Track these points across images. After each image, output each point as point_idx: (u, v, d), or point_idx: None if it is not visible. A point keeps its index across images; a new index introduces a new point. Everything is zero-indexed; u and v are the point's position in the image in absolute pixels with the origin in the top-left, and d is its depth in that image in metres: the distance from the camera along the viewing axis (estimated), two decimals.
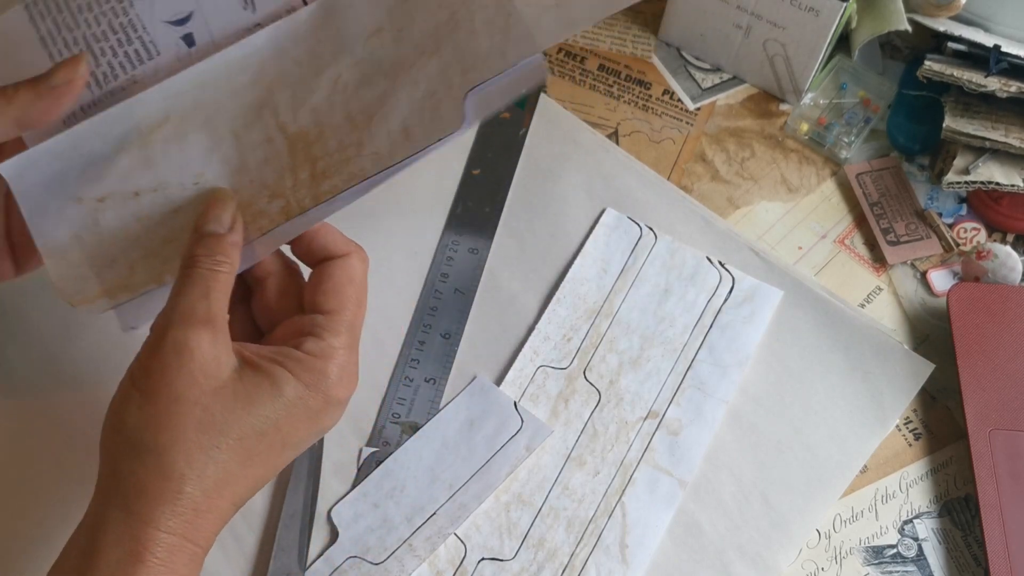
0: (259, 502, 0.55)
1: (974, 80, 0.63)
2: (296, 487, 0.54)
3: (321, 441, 0.56)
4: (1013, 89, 0.63)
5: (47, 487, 0.55)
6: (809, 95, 0.68)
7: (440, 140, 0.47)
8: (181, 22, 0.50)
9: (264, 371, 0.43)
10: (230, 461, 0.42)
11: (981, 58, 0.64)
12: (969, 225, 0.65)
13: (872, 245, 0.65)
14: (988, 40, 0.64)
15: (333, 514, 0.54)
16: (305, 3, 0.50)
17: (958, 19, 0.68)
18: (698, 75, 0.70)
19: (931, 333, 0.62)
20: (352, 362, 0.46)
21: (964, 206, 0.66)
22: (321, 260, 0.48)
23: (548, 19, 0.47)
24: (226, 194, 0.47)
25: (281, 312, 0.49)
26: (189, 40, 0.50)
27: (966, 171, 0.64)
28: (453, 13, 0.47)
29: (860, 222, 0.65)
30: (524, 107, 0.67)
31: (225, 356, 0.43)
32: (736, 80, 0.70)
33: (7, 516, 0.54)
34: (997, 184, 0.63)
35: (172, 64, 0.49)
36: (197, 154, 0.48)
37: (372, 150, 0.48)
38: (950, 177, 0.64)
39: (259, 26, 0.49)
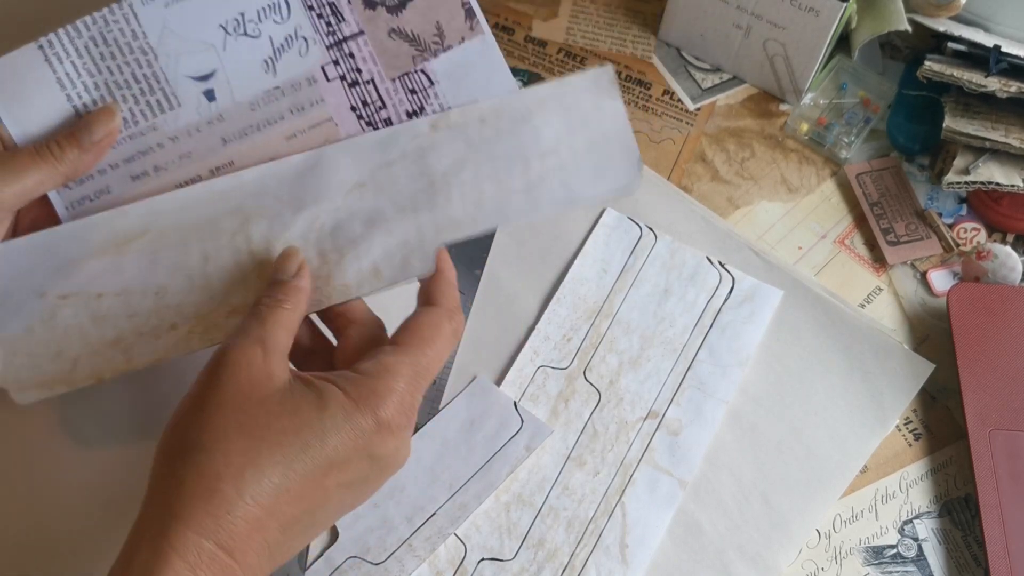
0: None
1: (974, 80, 0.63)
2: None
3: None
4: (1013, 89, 0.63)
5: (50, 493, 0.55)
6: (809, 95, 0.68)
7: (404, 282, 0.50)
8: (204, 78, 0.52)
9: (313, 386, 0.43)
10: (269, 469, 0.41)
11: (981, 58, 0.64)
12: (969, 225, 0.65)
13: (872, 245, 0.65)
14: (988, 40, 0.64)
15: None
16: (325, 74, 0.53)
17: (958, 19, 0.68)
18: (698, 75, 0.70)
19: (931, 333, 0.62)
20: (409, 393, 0.45)
21: (964, 206, 0.66)
22: (425, 300, 0.49)
23: (517, 200, 0.51)
24: (296, 250, 0.49)
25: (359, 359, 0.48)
26: (210, 95, 0.52)
27: (966, 171, 0.64)
28: (432, 183, 0.50)
29: (860, 222, 0.65)
30: None
31: (278, 371, 0.44)
32: (736, 80, 0.70)
33: (9, 516, 0.54)
34: (997, 184, 0.63)
35: (193, 116, 0.52)
36: (165, 269, 0.51)
37: (340, 282, 0.50)
38: (950, 177, 0.64)
39: (278, 89, 0.52)
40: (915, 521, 0.57)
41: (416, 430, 0.57)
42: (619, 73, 0.70)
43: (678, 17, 0.69)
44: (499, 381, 0.59)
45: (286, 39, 0.53)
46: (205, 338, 0.50)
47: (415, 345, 0.46)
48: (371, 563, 0.53)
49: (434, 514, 0.54)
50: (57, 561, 0.53)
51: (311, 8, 0.53)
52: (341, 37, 0.53)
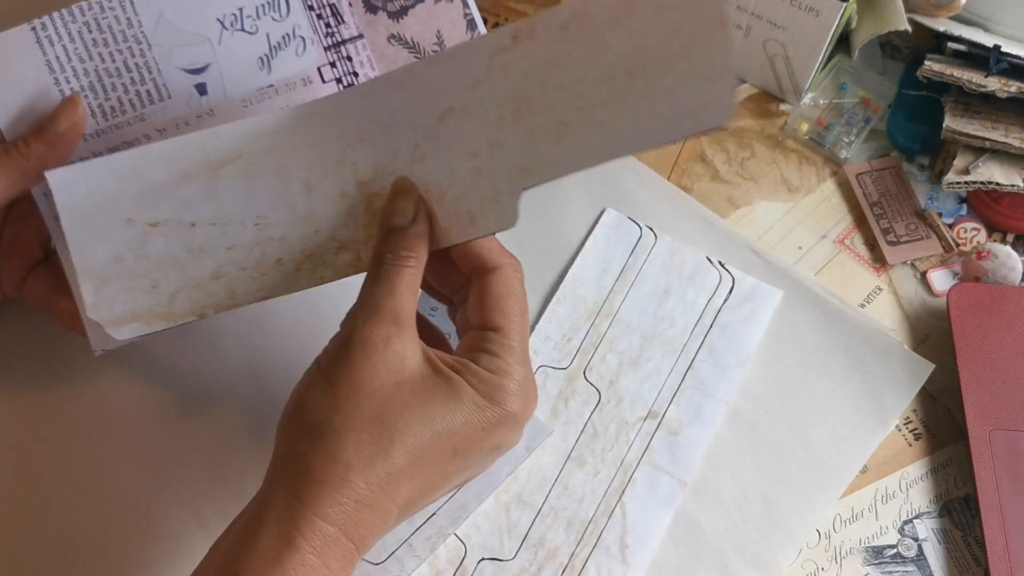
0: None
1: (974, 80, 0.63)
2: None
3: None
4: (1013, 89, 0.63)
5: (50, 488, 0.55)
6: (809, 95, 0.68)
7: (493, 232, 0.46)
8: (197, 72, 0.52)
9: (445, 376, 0.44)
10: (399, 456, 0.42)
11: (981, 58, 0.64)
12: (969, 225, 0.65)
13: (872, 245, 0.65)
14: (988, 40, 0.64)
15: None
16: (321, 76, 0.52)
17: (958, 19, 0.68)
18: None
19: (931, 333, 0.62)
20: (530, 379, 0.47)
21: (964, 206, 0.66)
22: (473, 271, 0.48)
23: (602, 135, 0.42)
24: (408, 184, 0.47)
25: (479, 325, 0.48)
26: (202, 89, 0.52)
27: (966, 171, 0.64)
28: (517, 109, 0.44)
29: (860, 222, 0.65)
30: None
31: (411, 354, 0.44)
32: (736, 80, 0.70)
33: (9, 516, 0.54)
34: (997, 184, 0.63)
35: (182, 109, 0.51)
36: (264, 196, 0.48)
37: (442, 224, 0.47)
38: (950, 177, 0.64)
39: (272, 87, 0.51)
40: (915, 521, 0.57)
41: None
42: None
43: None
44: None
45: (283, 37, 0.52)
46: (314, 276, 0.48)
47: (512, 323, 0.46)
48: (371, 563, 0.53)
49: (434, 514, 0.54)
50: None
51: (311, 8, 0.53)
52: (340, 39, 0.53)
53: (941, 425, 0.59)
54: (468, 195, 0.46)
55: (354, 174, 0.48)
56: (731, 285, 0.61)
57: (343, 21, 0.53)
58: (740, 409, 0.58)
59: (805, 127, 0.67)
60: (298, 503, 0.40)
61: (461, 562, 0.54)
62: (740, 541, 0.55)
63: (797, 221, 0.65)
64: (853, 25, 0.68)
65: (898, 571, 0.55)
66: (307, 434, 0.42)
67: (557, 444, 0.57)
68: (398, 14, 0.53)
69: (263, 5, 0.52)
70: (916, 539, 0.56)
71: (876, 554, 0.56)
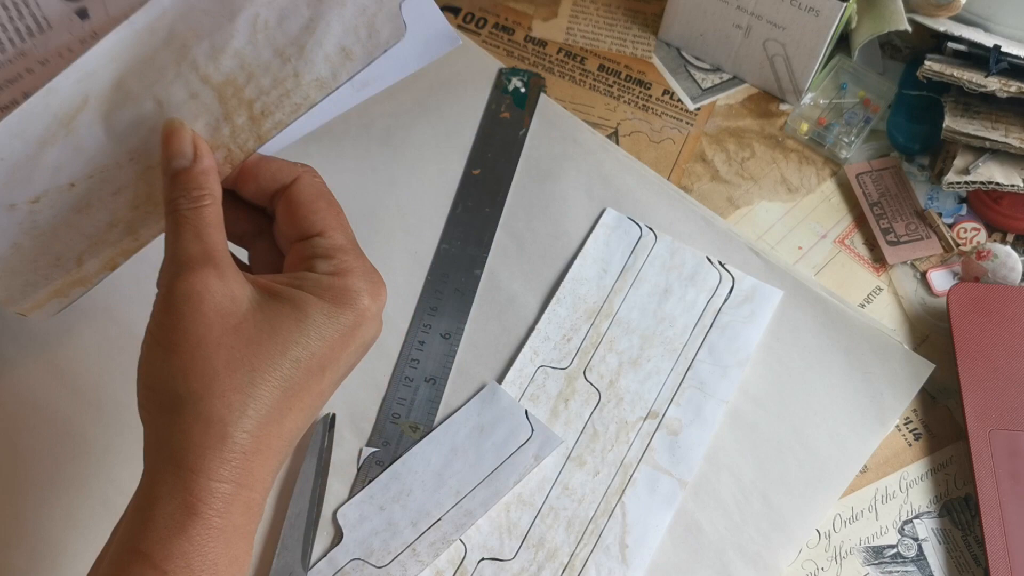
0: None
1: (974, 80, 0.63)
2: (303, 487, 0.54)
3: (331, 443, 0.56)
4: (1013, 89, 0.63)
5: (43, 485, 0.55)
6: (809, 95, 0.68)
7: (384, 52, 0.46)
8: None
9: (283, 296, 0.42)
10: (269, 395, 0.41)
11: (981, 58, 0.64)
12: (969, 225, 0.65)
13: (872, 245, 0.65)
14: (988, 40, 0.64)
15: (339, 515, 0.54)
16: None
17: (958, 19, 0.68)
18: (698, 75, 0.70)
19: (931, 333, 0.62)
20: (369, 268, 0.45)
21: (964, 206, 0.66)
22: (275, 193, 0.46)
23: None
24: (176, 124, 0.45)
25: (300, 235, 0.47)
26: (83, 13, 0.48)
27: (966, 171, 0.64)
28: None
29: (860, 222, 0.65)
30: (524, 107, 0.67)
31: (239, 290, 0.42)
32: (736, 80, 0.70)
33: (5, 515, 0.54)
34: (997, 184, 0.63)
35: (64, 37, 0.48)
36: (126, 130, 0.47)
37: (312, 77, 0.46)
38: (950, 177, 0.64)
39: (146, 2, 0.47)
40: (915, 521, 0.57)
41: (416, 430, 0.57)
42: (619, 73, 0.70)
43: (678, 17, 0.69)
44: (499, 381, 0.59)
45: None
46: None
47: (329, 222, 0.45)
48: (374, 566, 0.53)
49: (439, 519, 0.54)
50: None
51: None
52: None
53: (941, 425, 0.59)
54: (332, 33, 0.46)
55: (196, 71, 0.46)
56: (731, 285, 0.61)
57: None
58: (740, 409, 0.58)
59: (805, 127, 0.67)
60: (187, 472, 0.39)
61: (461, 562, 0.54)
62: (740, 541, 0.55)
63: (797, 221, 0.65)
64: (853, 25, 0.68)
65: (898, 571, 0.55)
66: (170, 408, 0.40)
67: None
68: None
69: None
70: (916, 539, 0.56)
71: (876, 554, 0.56)
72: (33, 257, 0.47)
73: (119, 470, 0.55)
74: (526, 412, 0.57)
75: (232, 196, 0.48)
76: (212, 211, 0.43)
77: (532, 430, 0.57)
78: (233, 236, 0.48)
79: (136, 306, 0.50)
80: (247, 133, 0.47)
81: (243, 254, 0.49)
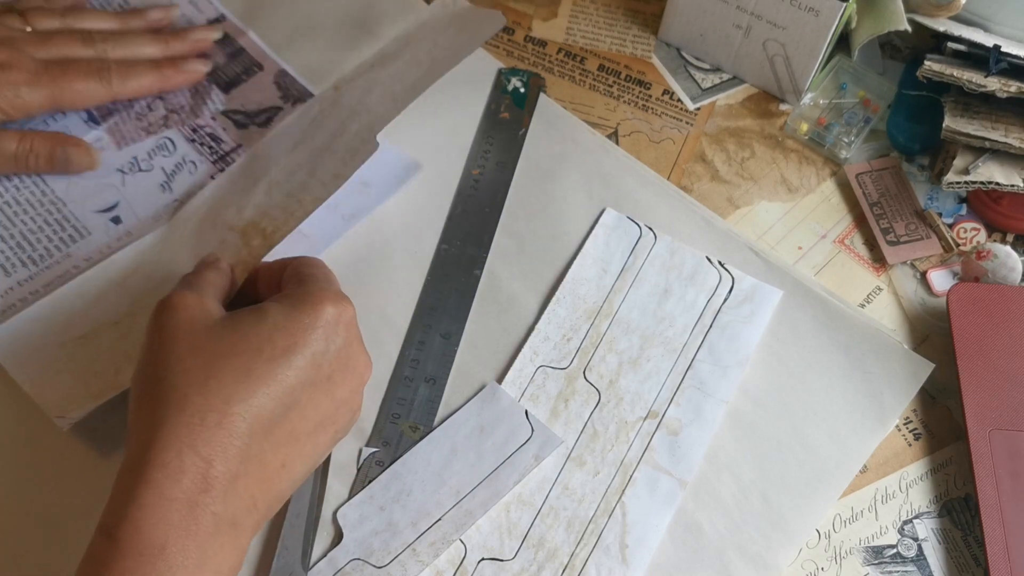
0: None
1: (974, 80, 0.63)
2: (302, 487, 0.54)
3: None
4: (1013, 89, 0.63)
5: (49, 484, 0.55)
6: (809, 95, 0.68)
7: (362, 164, 0.58)
8: (109, 209, 0.62)
9: (251, 309, 0.48)
10: (226, 373, 0.44)
11: (981, 58, 0.64)
12: (969, 225, 0.65)
13: (872, 245, 0.65)
14: (988, 40, 0.64)
15: (339, 515, 0.54)
16: (212, 177, 0.63)
17: (958, 19, 0.68)
18: (698, 75, 0.70)
19: (931, 333, 0.62)
20: (336, 288, 0.50)
21: (964, 206, 0.66)
22: (281, 277, 0.53)
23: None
24: (213, 257, 0.55)
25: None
26: (116, 220, 0.62)
27: (966, 171, 0.64)
28: (353, 110, 0.62)
29: (860, 222, 0.65)
30: (524, 107, 0.67)
31: (214, 307, 0.48)
32: (736, 80, 0.70)
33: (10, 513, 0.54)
34: (997, 184, 0.63)
35: (103, 238, 0.61)
36: (166, 280, 0.57)
37: (311, 198, 0.58)
38: (950, 177, 0.64)
39: (176, 200, 0.62)
40: (915, 521, 0.57)
41: (416, 430, 0.57)
42: (619, 73, 0.70)
43: (678, 17, 0.69)
44: (499, 381, 0.59)
45: (176, 165, 0.63)
46: None
47: (298, 262, 0.52)
48: (374, 566, 0.53)
49: (439, 519, 0.54)
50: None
51: (193, 140, 0.64)
52: (223, 153, 0.64)
53: (941, 425, 0.59)
54: (328, 168, 0.59)
55: (225, 226, 0.59)
56: (731, 285, 0.61)
57: (223, 141, 0.65)
58: (740, 409, 0.58)
59: (805, 127, 0.67)
60: (142, 445, 0.42)
61: (461, 562, 0.54)
62: (740, 541, 0.55)
63: (797, 221, 0.65)
64: (853, 25, 0.68)
65: (898, 571, 0.55)
66: (144, 394, 0.44)
67: None
68: (264, 124, 0.65)
69: (153, 150, 0.64)
70: (916, 539, 0.56)
71: (876, 554, 0.56)
72: (75, 376, 0.55)
73: None
74: (526, 412, 0.57)
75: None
76: (213, 269, 0.52)
77: (532, 430, 0.57)
78: None
79: None
80: (261, 248, 0.57)
81: None
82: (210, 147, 0.64)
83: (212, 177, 0.63)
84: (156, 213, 0.61)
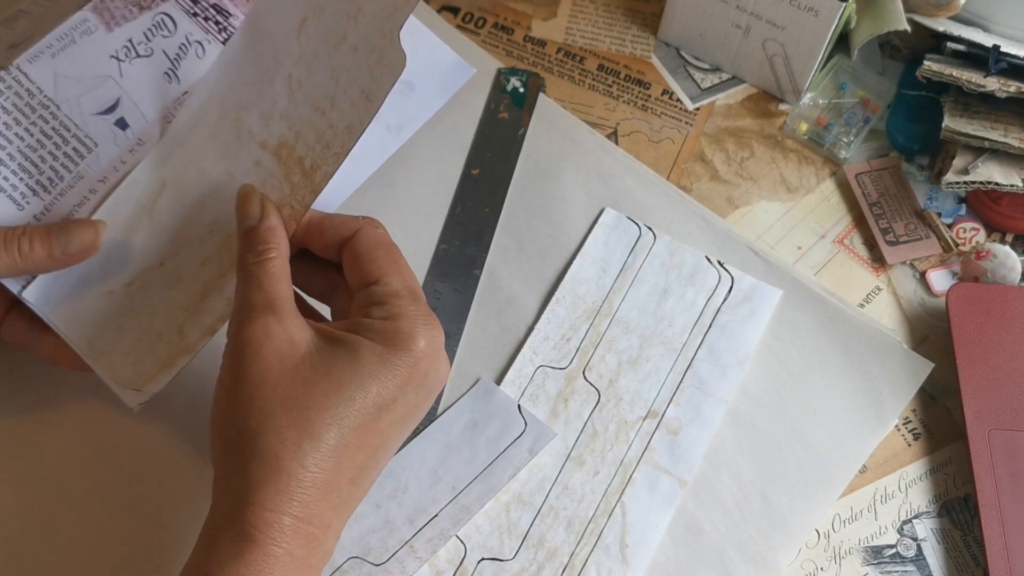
0: None
1: (973, 80, 0.63)
2: None
3: None
4: (1012, 89, 0.63)
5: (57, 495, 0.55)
6: (808, 95, 0.68)
7: (392, 85, 0.47)
8: (110, 110, 0.52)
9: (339, 340, 0.44)
10: (323, 432, 0.42)
11: (980, 58, 0.64)
12: (968, 225, 0.65)
13: (871, 245, 0.65)
14: (987, 40, 0.65)
15: None
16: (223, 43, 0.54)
17: (957, 19, 0.68)
18: (697, 75, 0.70)
19: (930, 333, 0.62)
20: (425, 311, 0.46)
21: (963, 206, 0.66)
22: (340, 246, 0.49)
23: None
24: (248, 189, 0.49)
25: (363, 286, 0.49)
26: (122, 124, 0.53)
27: (965, 171, 0.64)
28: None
29: (859, 222, 0.65)
30: (523, 107, 0.67)
31: (298, 334, 0.44)
32: (735, 80, 0.70)
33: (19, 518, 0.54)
34: (996, 184, 0.63)
35: (112, 150, 0.52)
36: (203, 204, 0.50)
37: (345, 125, 0.49)
38: (949, 177, 0.64)
39: (187, 93, 0.52)
40: (914, 521, 0.57)
41: (418, 432, 0.57)
42: (618, 73, 0.70)
43: (677, 17, 0.69)
44: (499, 381, 0.59)
45: (180, 47, 0.54)
46: None
47: (387, 270, 0.47)
48: (372, 563, 0.53)
49: (436, 515, 0.54)
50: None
51: (195, 15, 0.54)
52: (233, 29, 0.55)
53: (940, 425, 0.59)
54: (355, 78, 0.48)
55: (252, 138, 0.50)
56: (730, 285, 0.61)
57: (230, 14, 0.55)
58: (740, 409, 0.58)
59: (804, 127, 0.67)
60: (245, 504, 0.41)
61: (461, 562, 0.54)
62: (740, 541, 0.55)
63: (796, 221, 0.65)
64: (852, 25, 0.68)
65: (897, 571, 0.55)
66: (233, 447, 0.43)
67: (557, 444, 0.57)
68: None
69: (150, 29, 0.53)
70: (915, 539, 0.56)
71: (875, 554, 0.56)
72: (138, 336, 0.50)
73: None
74: (519, 406, 0.57)
75: (309, 256, 0.50)
76: (277, 264, 0.46)
77: (525, 424, 0.57)
78: (315, 293, 0.52)
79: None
80: (303, 189, 0.50)
81: (326, 310, 0.52)
82: (216, 22, 0.55)
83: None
84: (166, 111, 0.53)
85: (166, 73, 0.54)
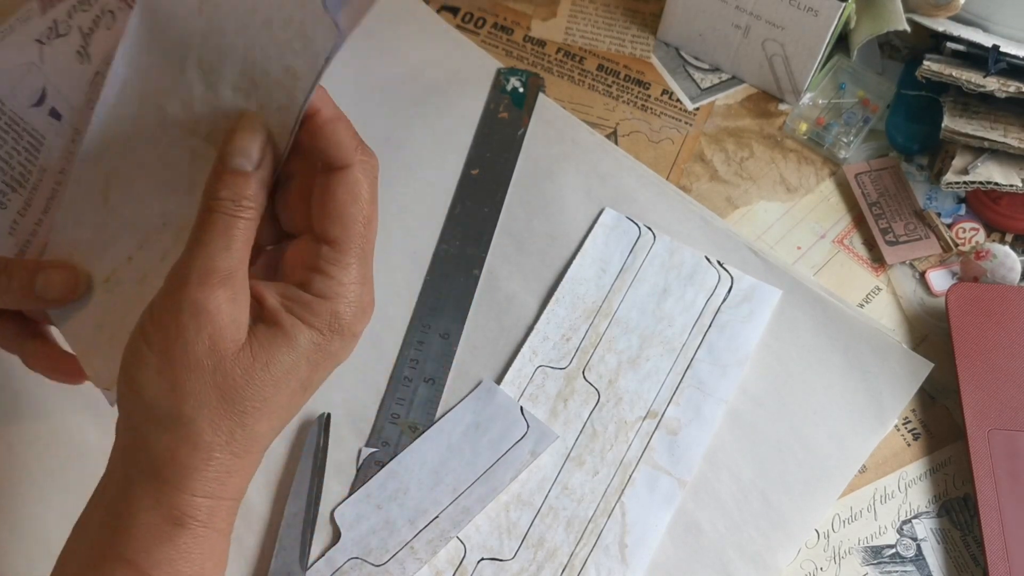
0: (261, 501, 0.55)
1: (973, 80, 0.63)
2: (299, 487, 0.54)
3: (326, 442, 0.56)
4: (1012, 89, 0.63)
5: (43, 486, 0.55)
6: (808, 95, 0.68)
7: (326, 61, 0.41)
8: (40, 101, 0.49)
9: (277, 324, 0.41)
10: (256, 423, 0.41)
11: (980, 58, 0.64)
12: (968, 225, 0.65)
13: (871, 245, 0.65)
14: (987, 40, 0.64)
15: (336, 515, 0.54)
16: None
17: (957, 19, 0.68)
18: (697, 75, 0.70)
19: (930, 333, 0.62)
20: (366, 293, 0.43)
21: (963, 206, 0.66)
22: (325, 165, 0.42)
23: None
24: (255, 120, 0.42)
25: (303, 218, 0.44)
26: (55, 114, 0.49)
27: (965, 171, 0.64)
28: None
29: (859, 222, 0.65)
30: (523, 107, 0.67)
31: (244, 316, 0.41)
32: (735, 80, 0.70)
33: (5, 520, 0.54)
34: (996, 184, 0.63)
35: (58, 141, 0.49)
36: (149, 195, 0.47)
37: (275, 106, 0.43)
38: (949, 177, 0.64)
39: (99, 74, 0.48)
40: (914, 521, 0.57)
41: (415, 430, 0.57)
42: (618, 73, 0.70)
43: (677, 17, 0.69)
44: (498, 381, 0.59)
45: (94, 21, 0.48)
46: None
47: (350, 235, 0.42)
48: (372, 564, 0.53)
49: (437, 517, 0.54)
50: None
51: None
52: None
53: (940, 425, 0.59)
54: (270, 54, 0.42)
55: (180, 127, 0.45)
56: (730, 284, 0.61)
57: None
58: (739, 409, 0.58)
59: (804, 127, 0.67)
60: (172, 488, 0.40)
61: (461, 562, 0.54)
62: (739, 541, 0.55)
63: (796, 221, 0.65)
64: (852, 25, 0.68)
65: (897, 571, 0.55)
66: (158, 422, 0.40)
67: (556, 444, 0.57)
68: None
69: (74, 6, 0.49)
70: (915, 539, 0.56)
71: (875, 554, 0.56)
72: (113, 333, 0.48)
73: None
74: (521, 408, 0.57)
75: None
76: (250, 226, 0.41)
77: (527, 426, 0.57)
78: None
79: None
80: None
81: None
82: None
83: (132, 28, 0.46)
84: (88, 95, 0.48)
85: (78, 51, 0.49)
